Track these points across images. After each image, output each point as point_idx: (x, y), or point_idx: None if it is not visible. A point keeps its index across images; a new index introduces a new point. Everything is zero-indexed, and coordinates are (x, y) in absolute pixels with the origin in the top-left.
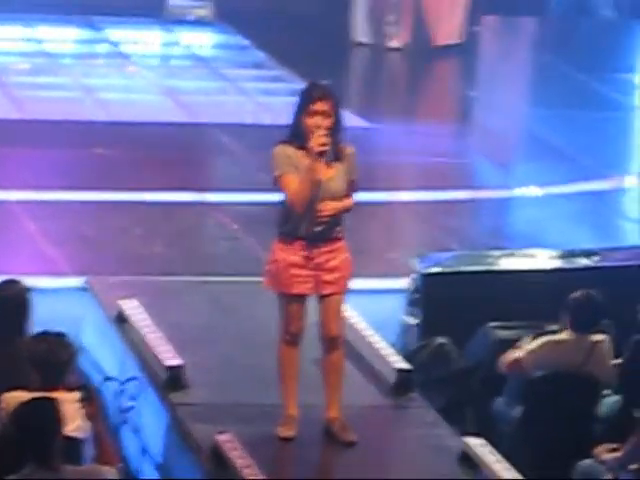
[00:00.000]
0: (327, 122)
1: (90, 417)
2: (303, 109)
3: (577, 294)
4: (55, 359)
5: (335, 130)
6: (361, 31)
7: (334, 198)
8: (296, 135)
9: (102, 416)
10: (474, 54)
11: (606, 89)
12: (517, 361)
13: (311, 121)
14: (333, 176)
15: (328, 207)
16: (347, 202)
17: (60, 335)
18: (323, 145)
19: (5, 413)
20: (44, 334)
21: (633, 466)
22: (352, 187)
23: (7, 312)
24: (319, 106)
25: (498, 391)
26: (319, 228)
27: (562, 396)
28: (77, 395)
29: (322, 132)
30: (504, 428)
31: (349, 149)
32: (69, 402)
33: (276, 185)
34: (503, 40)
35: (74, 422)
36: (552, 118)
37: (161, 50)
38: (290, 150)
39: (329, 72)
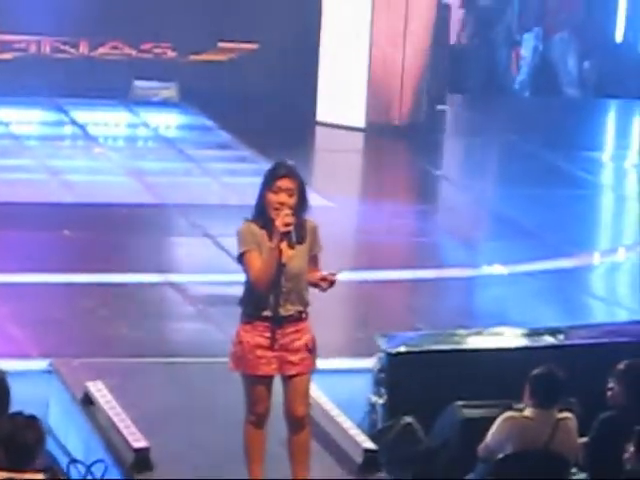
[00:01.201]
0: (292, 200)
1: None
2: (268, 186)
3: (538, 370)
4: (22, 441)
5: (299, 209)
6: (324, 111)
7: (297, 277)
8: (261, 213)
9: None
10: (439, 133)
11: (571, 167)
12: (487, 446)
13: (275, 198)
14: (295, 256)
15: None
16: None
17: (29, 417)
18: (288, 225)
19: None
20: (13, 415)
21: None
22: (316, 261)
23: None
24: (284, 183)
25: (466, 471)
26: (283, 308)
27: (530, 475)
28: (44, 478)
29: (287, 211)
30: None
31: (312, 224)
32: None
33: (240, 263)
34: (468, 119)
35: None
36: (517, 196)
37: (127, 131)
38: (254, 228)
39: (293, 152)
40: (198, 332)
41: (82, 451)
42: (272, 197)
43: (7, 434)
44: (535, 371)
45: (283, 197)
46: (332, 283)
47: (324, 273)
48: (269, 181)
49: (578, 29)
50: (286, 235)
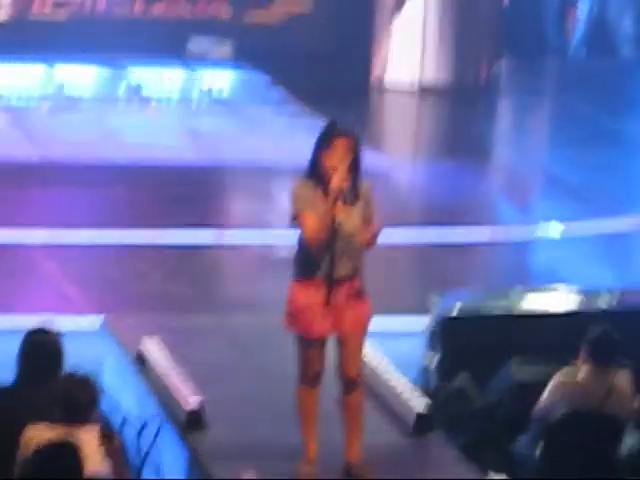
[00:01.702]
0: (346, 159)
1: (110, 455)
2: (323, 147)
3: (595, 330)
4: (77, 399)
5: (354, 169)
6: (380, 70)
7: (351, 237)
8: (315, 173)
9: (123, 455)
10: (494, 94)
11: (627, 129)
12: (541, 406)
13: (330, 157)
14: (349, 216)
15: (368, 240)
16: (374, 229)
17: (84, 377)
18: (342, 184)
19: (26, 447)
20: (70, 375)
21: None
22: (369, 224)
23: (43, 358)
24: (339, 143)
25: (520, 431)
26: (337, 269)
27: (583, 436)
28: (99, 435)
29: (342, 171)
30: (526, 468)
31: (366, 185)
32: (90, 441)
33: (294, 223)
34: (523, 80)
35: (95, 461)
36: (572, 158)
37: (182, 90)
38: (308, 188)
39: (349, 111)
40: (253, 291)
41: (136, 409)
42: (327, 156)
43: (63, 393)
44: (591, 332)
45: (338, 156)
46: (375, 237)
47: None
48: (324, 140)
49: None
50: (340, 195)
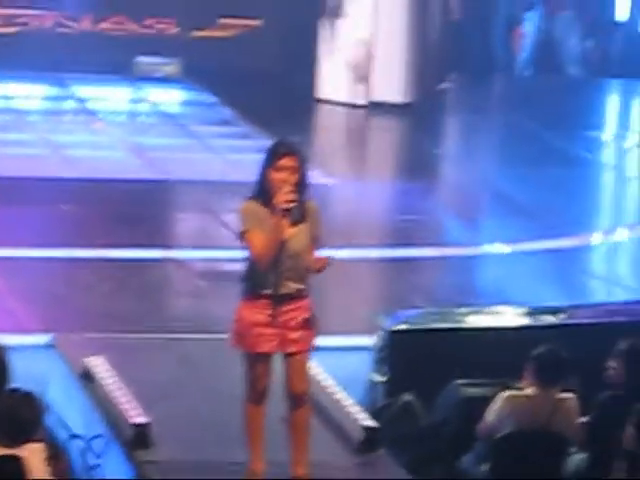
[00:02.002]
0: (293, 178)
1: (57, 474)
2: (269, 165)
3: (541, 349)
4: (20, 416)
5: (301, 187)
6: (325, 88)
7: (297, 256)
8: (262, 191)
9: (69, 474)
10: (440, 111)
11: (573, 147)
12: (486, 425)
13: (277, 176)
14: (296, 234)
15: (320, 263)
16: (323, 259)
17: (27, 393)
18: (289, 202)
19: None
20: (12, 392)
21: None
22: (317, 243)
23: None
24: (285, 162)
25: (465, 449)
26: (284, 286)
27: (529, 454)
28: (44, 453)
29: (288, 188)
30: None
31: (313, 205)
32: (35, 459)
33: (242, 241)
34: (470, 97)
35: None
36: (519, 176)
37: (128, 107)
38: (256, 207)
39: (294, 129)
40: (199, 308)
41: (82, 426)
42: (274, 175)
43: (5, 410)
44: (538, 350)
45: (285, 175)
46: (324, 266)
47: (318, 256)
48: (271, 159)
49: (581, 8)
50: (287, 212)
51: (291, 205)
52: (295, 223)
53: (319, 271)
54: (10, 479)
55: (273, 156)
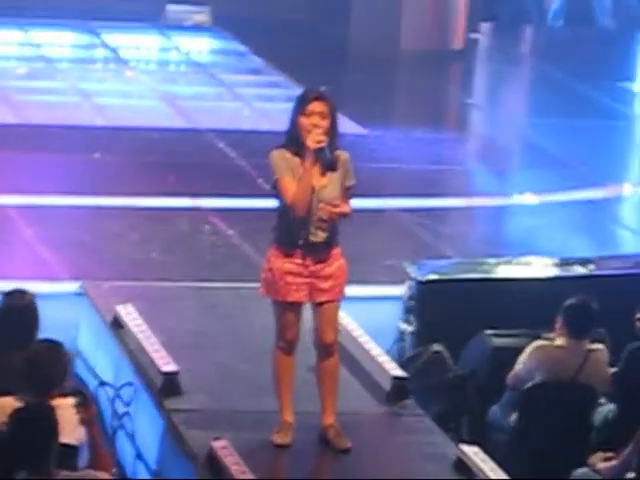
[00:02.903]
0: (324, 122)
1: (85, 422)
2: (300, 110)
3: (572, 300)
4: (47, 369)
5: (331, 135)
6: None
7: (329, 205)
8: (293, 139)
9: (97, 421)
10: (472, 61)
11: (604, 98)
12: (516, 375)
13: (308, 121)
14: (327, 183)
15: (324, 210)
16: (344, 207)
17: (54, 344)
18: (320, 142)
19: None
20: (39, 342)
21: (629, 475)
22: (348, 193)
23: (19, 322)
24: (316, 106)
25: (494, 399)
26: (314, 235)
27: (557, 404)
28: (72, 401)
29: (319, 130)
30: (500, 436)
31: (344, 155)
32: (64, 408)
33: (275, 189)
34: (501, 48)
35: (70, 429)
36: (550, 126)
37: (159, 55)
38: (287, 154)
39: (326, 79)
40: (229, 257)
41: (111, 374)
42: (304, 120)
43: (32, 360)
44: (569, 301)
45: (315, 119)
46: (341, 214)
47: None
48: (301, 105)
49: None
50: (319, 153)
51: (322, 144)
52: (326, 172)
53: (344, 216)
54: (41, 428)
55: (303, 101)
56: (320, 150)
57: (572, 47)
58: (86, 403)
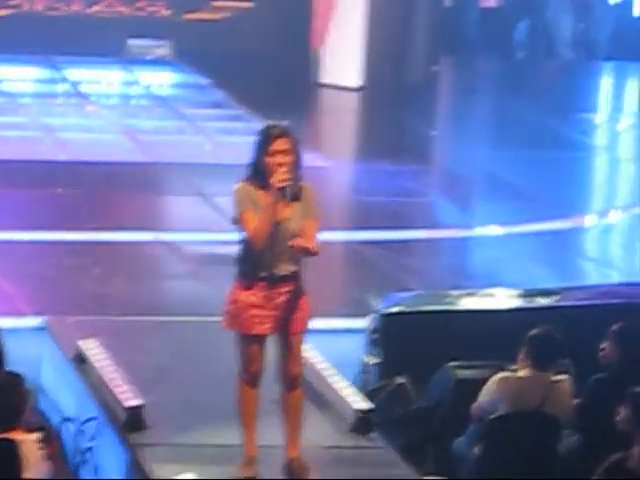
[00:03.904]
0: (288, 159)
1: (50, 458)
2: (263, 149)
3: (537, 330)
4: (6, 400)
5: (295, 168)
6: (320, 71)
7: (293, 237)
8: (256, 174)
9: (62, 458)
10: (433, 93)
11: (566, 129)
12: (480, 406)
13: (272, 160)
14: (291, 215)
15: (293, 242)
16: (308, 242)
17: (13, 376)
18: (284, 181)
19: None
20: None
21: None
22: (313, 226)
23: None
24: (279, 145)
25: (458, 431)
26: (278, 268)
27: (522, 435)
28: (37, 436)
29: (284, 169)
30: (465, 468)
31: (307, 187)
32: (29, 444)
33: (236, 223)
34: (462, 79)
35: (34, 464)
36: (512, 158)
37: (120, 89)
38: (250, 189)
39: (287, 112)
40: (191, 291)
41: (75, 409)
42: (268, 160)
43: None
44: (533, 331)
45: (279, 158)
46: (306, 250)
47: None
48: (264, 143)
49: None
50: (282, 191)
51: (286, 183)
52: (290, 205)
53: (313, 254)
54: (5, 462)
55: (266, 139)
56: (283, 189)
57: (534, 79)
58: (50, 438)
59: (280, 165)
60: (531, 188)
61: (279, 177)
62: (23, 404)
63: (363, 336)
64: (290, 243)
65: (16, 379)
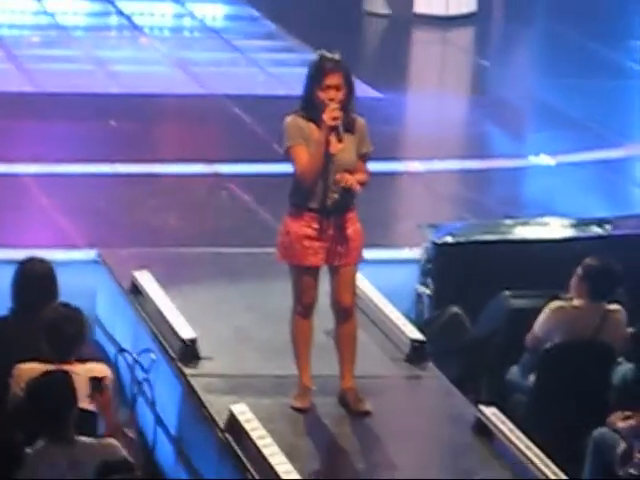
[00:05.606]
0: (340, 95)
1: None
2: (315, 83)
3: (595, 262)
4: (64, 332)
5: (347, 102)
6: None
7: (345, 170)
8: (308, 107)
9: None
10: (485, 24)
11: (619, 57)
12: (534, 336)
13: (324, 95)
14: (344, 149)
15: (345, 178)
16: (360, 176)
17: (71, 308)
18: (336, 119)
19: (16, 384)
20: (57, 306)
21: None
22: (364, 160)
23: (38, 290)
24: (331, 79)
25: (512, 360)
26: (331, 199)
27: (576, 364)
28: (91, 366)
29: (335, 105)
30: (518, 397)
31: (360, 121)
32: (82, 374)
33: (287, 157)
34: (514, 9)
35: (84, 399)
36: (565, 87)
37: (173, 22)
38: (301, 122)
39: (340, 42)
40: (246, 223)
41: (130, 341)
42: (320, 94)
43: (49, 325)
44: (590, 262)
45: (331, 93)
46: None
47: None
48: (316, 77)
49: None
50: (334, 129)
51: (338, 122)
52: (341, 137)
53: (361, 185)
54: (59, 394)
55: (318, 73)
56: (335, 126)
57: (586, 6)
58: (101, 388)
59: (332, 100)
60: (584, 117)
61: (331, 114)
62: (79, 336)
63: (417, 266)
64: (337, 178)
65: (72, 311)
